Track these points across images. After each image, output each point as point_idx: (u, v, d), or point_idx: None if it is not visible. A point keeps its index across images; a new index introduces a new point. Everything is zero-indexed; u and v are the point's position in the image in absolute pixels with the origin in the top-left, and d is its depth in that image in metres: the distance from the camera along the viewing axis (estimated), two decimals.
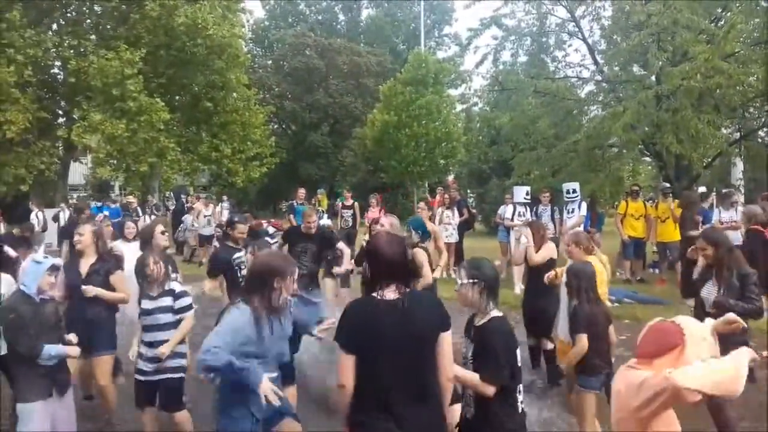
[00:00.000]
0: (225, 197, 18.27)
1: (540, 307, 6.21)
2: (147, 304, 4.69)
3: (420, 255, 5.75)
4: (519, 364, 3.24)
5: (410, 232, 6.17)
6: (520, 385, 3.24)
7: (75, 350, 4.30)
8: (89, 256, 5.23)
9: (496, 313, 3.27)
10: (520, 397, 3.22)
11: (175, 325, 4.64)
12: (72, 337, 4.43)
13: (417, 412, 2.82)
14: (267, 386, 3.18)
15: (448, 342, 2.91)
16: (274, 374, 3.48)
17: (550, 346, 6.22)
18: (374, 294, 2.89)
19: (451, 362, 2.94)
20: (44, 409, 4.14)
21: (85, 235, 5.24)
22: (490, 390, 3.08)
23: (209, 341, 3.17)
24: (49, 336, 4.18)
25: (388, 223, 6.40)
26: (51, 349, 4.08)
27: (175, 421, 4.70)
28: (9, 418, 5.06)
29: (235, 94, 22.41)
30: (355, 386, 2.82)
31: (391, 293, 2.87)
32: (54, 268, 4.25)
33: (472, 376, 3.13)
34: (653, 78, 13.06)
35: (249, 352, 3.27)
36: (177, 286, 4.73)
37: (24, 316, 4.05)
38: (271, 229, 14.72)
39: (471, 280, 3.25)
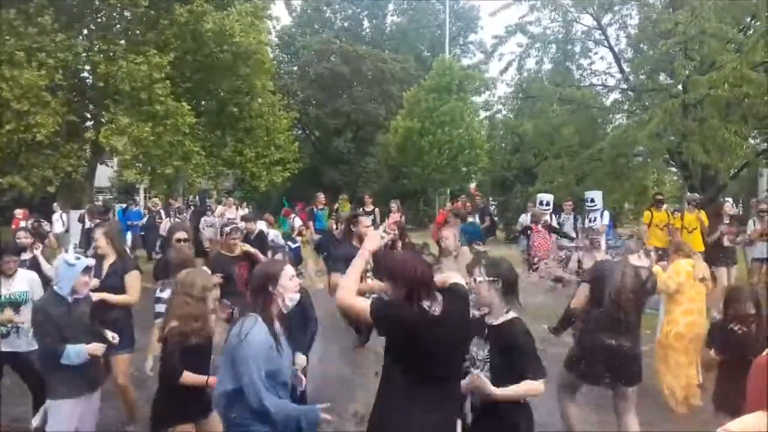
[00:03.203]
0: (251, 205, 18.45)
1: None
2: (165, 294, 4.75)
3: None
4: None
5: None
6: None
7: (97, 348, 4.29)
8: (109, 257, 5.34)
9: (514, 314, 3.28)
10: None
11: None
12: (109, 333, 4.51)
13: (440, 415, 2.89)
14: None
15: None
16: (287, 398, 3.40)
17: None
18: (418, 305, 2.88)
19: None
20: (74, 407, 4.21)
21: (99, 239, 5.36)
22: (542, 387, 3.11)
23: (251, 380, 3.07)
24: (81, 336, 4.23)
25: (452, 235, 6.55)
26: (71, 350, 4.10)
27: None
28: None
29: (260, 100, 22.54)
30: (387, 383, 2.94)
31: (431, 305, 2.90)
32: (87, 269, 4.33)
33: (517, 388, 3.11)
34: (680, 87, 12.92)
35: (271, 374, 3.19)
36: None
37: (52, 317, 4.11)
38: (298, 222, 14.80)
39: (490, 278, 3.24)
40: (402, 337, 2.88)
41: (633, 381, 4.66)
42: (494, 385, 3.09)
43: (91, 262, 4.51)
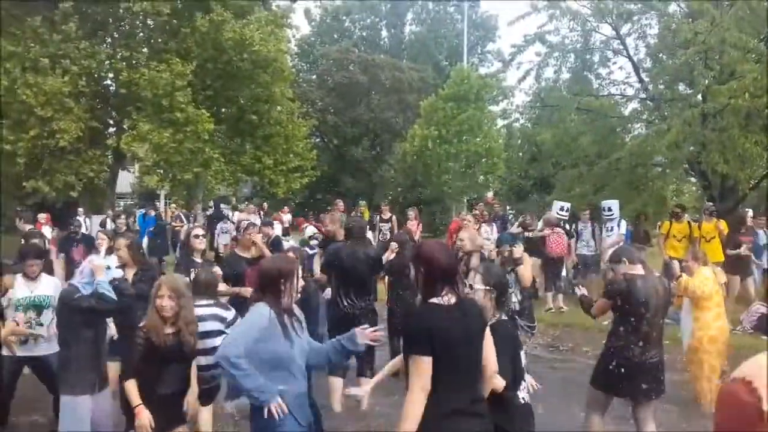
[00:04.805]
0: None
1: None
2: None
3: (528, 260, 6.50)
4: (522, 365, 3.49)
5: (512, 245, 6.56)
6: (522, 383, 3.45)
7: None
8: (130, 267, 5.42)
9: (502, 317, 3.47)
10: (521, 394, 3.41)
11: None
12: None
13: (479, 407, 2.96)
14: (278, 405, 3.17)
15: (489, 339, 3.04)
16: (302, 388, 3.45)
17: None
18: (434, 300, 2.93)
19: (494, 357, 3.07)
20: (87, 404, 4.29)
21: (121, 249, 5.43)
22: (501, 383, 3.18)
23: (229, 336, 3.32)
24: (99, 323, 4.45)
25: (468, 236, 6.76)
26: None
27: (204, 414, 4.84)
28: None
29: (279, 108, 22.65)
30: (434, 386, 2.86)
31: (449, 297, 2.92)
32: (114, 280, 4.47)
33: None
34: (699, 97, 12.86)
35: (275, 361, 3.28)
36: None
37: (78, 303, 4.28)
38: (311, 230, 14.76)
39: (486, 287, 3.37)
40: None
41: (661, 392, 4.76)
42: None
43: (119, 273, 4.66)
